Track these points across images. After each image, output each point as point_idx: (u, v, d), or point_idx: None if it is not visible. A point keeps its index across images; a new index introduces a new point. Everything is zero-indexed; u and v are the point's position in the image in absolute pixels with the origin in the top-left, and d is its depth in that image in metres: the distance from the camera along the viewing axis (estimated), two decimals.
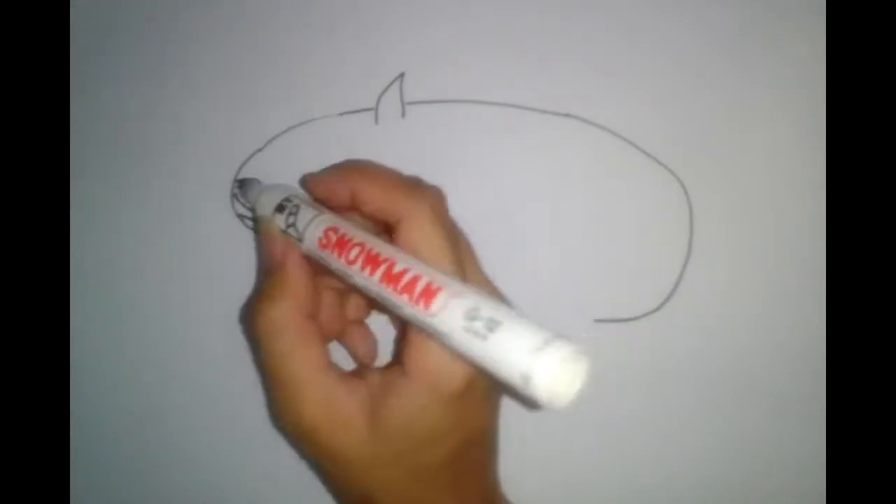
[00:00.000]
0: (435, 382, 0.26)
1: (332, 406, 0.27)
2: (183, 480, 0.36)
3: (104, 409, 0.36)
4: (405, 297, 0.25)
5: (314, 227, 0.29)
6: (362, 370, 0.30)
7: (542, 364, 0.21)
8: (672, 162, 0.35)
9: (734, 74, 0.36)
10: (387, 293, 0.26)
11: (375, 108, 0.36)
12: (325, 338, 0.30)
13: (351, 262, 0.27)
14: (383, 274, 0.26)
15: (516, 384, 0.22)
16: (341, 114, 0.36)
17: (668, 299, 0.35)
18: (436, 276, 0.25)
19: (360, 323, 0.34)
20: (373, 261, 0.26)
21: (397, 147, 0.36)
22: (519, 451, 0.32)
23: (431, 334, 0.25)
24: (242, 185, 0.34)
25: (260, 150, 0.36)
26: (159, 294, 0.36)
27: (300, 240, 0.29)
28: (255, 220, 0.32)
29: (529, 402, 0.22)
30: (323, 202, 0.30)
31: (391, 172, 0.30)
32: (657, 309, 0.35)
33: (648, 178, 0.36)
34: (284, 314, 0.28)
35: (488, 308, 0.23)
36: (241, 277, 0.36)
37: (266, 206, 0.31)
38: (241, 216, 0.36)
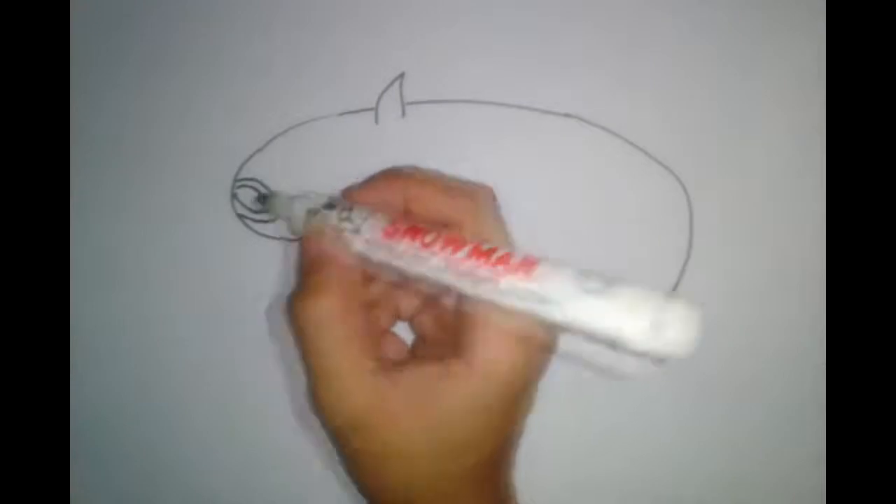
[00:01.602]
0: (498, 377, 0.26)
1: (382, 398, 0.27)
2: (183, 481, 0.36)
3: (104, 409, 0.36)
4: (500, 267, 0.25)
5: (375, 220, 0.29)
6: (408, 362, 0.29)
7: (675, 309, 0.22)
8: (672, 162, 0.35)
9: (734, 74, 0.36)
10: (476, 268, 0.25)
11: (375, 108, 0.36)
12: (372, 333, 0.30)
13: (428, 245, 0.27)
14: (471, 251, 0.26)
15: (642, 336, 0.22)
16: (341, 114, 0.36)
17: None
18: (527, 252, 0.25)
19: (389, 332, 0.34)
20: (454, 241, 0.26)
21: (397, 147, 0.36)
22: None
23: (501, 315, 0.25)
24: (265, 200, 0.33)
25: (260, 150, 0.36)
26: (159, 294, 0.36)
27: (357, 231, 0.29)
28: (291, 228, 0.32)
29: (648, 355, 0.22)
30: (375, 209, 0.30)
31: (440, 174, 0.30)
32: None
33: (648, 178, 0.36)
34: (333, 307, 0.27)
35: (594, 272, 0.24)
36: (241, 277, 0.36)
37: (302, 204, 0.31)
38: (241, 216, 0.36)
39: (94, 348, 0.36)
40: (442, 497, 0.28)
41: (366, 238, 0.29)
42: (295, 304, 0.28)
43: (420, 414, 0.27)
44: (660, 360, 0.22)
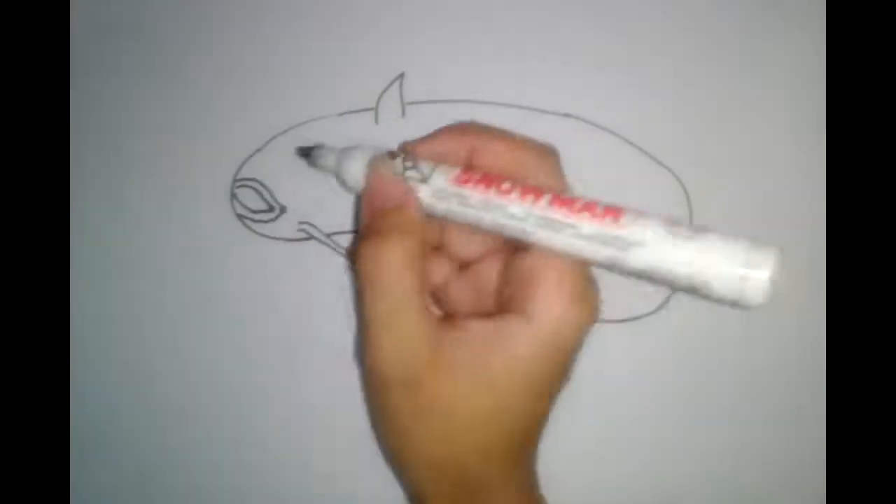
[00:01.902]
0: (558, 332, 0.26)
1: (439, 353, 0.27)
2: (183, 481, 0.36)
3: (104, 409, 0.36)
4: (586, 213, 0.25)
5: (444, 168, 0.28)
6: (462, 320, 0.28)
7: (763, 256, 0.23)
8: (672, 162, 0.35)
9: (734, 74, 0.36)
10: (559, 215, 0.26)
11: (375, 108, 0.36)
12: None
13: (505, 192, 0.27)
14: (552, 198, 0.26)
15: (731, 281, 0.23)
16: (341, 114, 0.36)
17: (668, 299, 0.35)
18: (608, 202, 0.26)
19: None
20: (533, 190, 0.26)
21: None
22: None
23: (566, 269, 0.26)
24: (310, 153, 0.33)
25: (260, 150, 0.36)
26: (159, 294, 0.36)
27: (424, 180, 0.29)
28: (341, 180, 0.31)
29: (733, 302, 0.23)
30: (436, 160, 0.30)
31: (505, 130, 0.29)
32: (657, 309, 0.35)
33: (648, 178, 0.36)
34: (404, 253, 0.27)
35: (683, 222, 0.24)
36: (241, 277, 0.36)
37: (365, 156, 0.30)
38: (241, 216, 0.36)
39: (94, 348, 0.36)
40: (470, 480, 0.28)
41: (436, 187, 0.28)
42: (364, 249, 0.27)
43: (477, 370, 0.27)
44: (742, 306, 0.23)
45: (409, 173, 0.29)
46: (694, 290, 0.24)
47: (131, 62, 0.37)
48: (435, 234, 0.31)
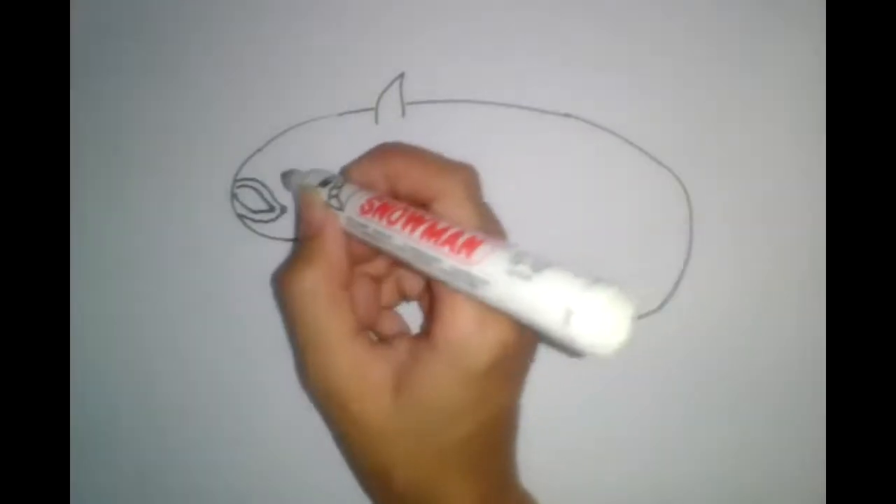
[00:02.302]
0: (460, 357, 0.26)
1: (361, 372, 0.28)
2: (183, 481, 0.36)
3: (104, 409, 0.36)
4: (446, 248, 0.25)
5: (357, 197, 0.29)
6: (393, 339, 0.30)
7: (587, 299, 0.21)
8: (672, 162, 0.35)
9: (734, 74, 0.36)
10: (427, 247, 0.26)
11: (375, 108, 0.36)
12: (359, 314, 0.30)
13: (392, 223, 0.27)
14: (425, 230, 0.26)
15: (557, 324, 0.21)
16: (341, 114, 0.36)
17: (668, 299, 0.35)
18: (477, 233, 0.25)
19: (391, 310, 0.34)
20: (415, 220, 0.27)
21: None
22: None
23: (465, 295, 0.25)
24: (285, 178, 0.34)
25: (260, 150, 0.36)
26: (159, 294, 0.36)
27: (341, 208, 0.29)
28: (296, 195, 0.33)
29: (572, 350, 0.21)
30: (363, 187, 0.31)
31: (424, 151, 0.30)
32: (657, 309, 0.35)
33: (648, 178, 0.36)
34: (319, 278, 0.28)
35: (533, 256, 0.23)
36: (241, 277, 0.36)
37: (310, 180, 0.31)
38: (241, 216, 0.36)
39: (94, 348, 0.36)
40: (426, 480, 0.28)
41: (348, 216, 0.29)
42: (280, 277, 0.29)
43: (394, 390, 0.27)
44: (580, 352, 0.21)
45: (332, 202, 0.30)
46: (541, 331, 0.23)
47: (131, 62, 0.37)
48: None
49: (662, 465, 0.35)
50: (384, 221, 0.27)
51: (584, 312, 0.21)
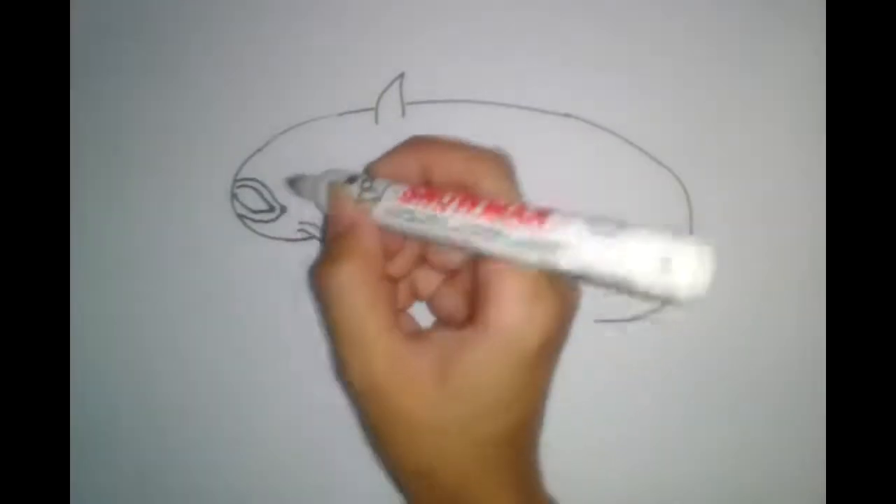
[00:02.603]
0: (513, 339, 0.26)
1: (401, 365, 0.27)
2: (183, 481, 0.36)
3: (104, 409, 0.36)
4: (514, 220, 0.25)
5: (394, 188, 0.29)
6: (429, 332, 0.30)
7: (684, 246, 0.22)
8: (672, 162, 0.35)
9: (734, 74, 0.36)
10: (490, 223, 0.26)
11: (375, 108, 0.36)
12: (394, 301, 0.30)
13: (444, 206, 0.27)
14: (487, 206, 0.26)
15: (654, 274, 0.22)
16: (341, 114, 0.36)
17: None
18: (541, 205, 0.25)
19: (405, 312, 0.34)
20: (471, 199, 0.27)
21: None
22: None
23: (519, 276, 0.26)
24: (294, 183, 0.34)
25: (260, 150, 0.36)
26: (159, 294, 0.36)
27: (378, 198, 0.29)
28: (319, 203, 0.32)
29: (666, 298, 0.22)
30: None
31: (455, 140, 0.30)
32: (657, 309, 0.35)
33: (648, 178, 0.36)
34: (356, 273, 0.28)
35: (602, 218, 0.24)
36: (241, 277, 0.36)
37: (336, 178, 0.31)
38: (241, 216, 0.36)
39: (94, 348, 0.36)
40: (463, 477, 0.28)
41: (386, 206, 0.29)
42: (317, 272, 0.29)
43: (439, 381, 0.27)
44: (672, 301, 0.22)
45: (365, 195, 0.30)
46: (624, 288, 0.23)
47: (131, 62, 0.37)
48: (417, 248, 0.31)
49: (662, 465, 0.35)
50: (434, 205, 0.28)
51: (680, 259, 0.22)
